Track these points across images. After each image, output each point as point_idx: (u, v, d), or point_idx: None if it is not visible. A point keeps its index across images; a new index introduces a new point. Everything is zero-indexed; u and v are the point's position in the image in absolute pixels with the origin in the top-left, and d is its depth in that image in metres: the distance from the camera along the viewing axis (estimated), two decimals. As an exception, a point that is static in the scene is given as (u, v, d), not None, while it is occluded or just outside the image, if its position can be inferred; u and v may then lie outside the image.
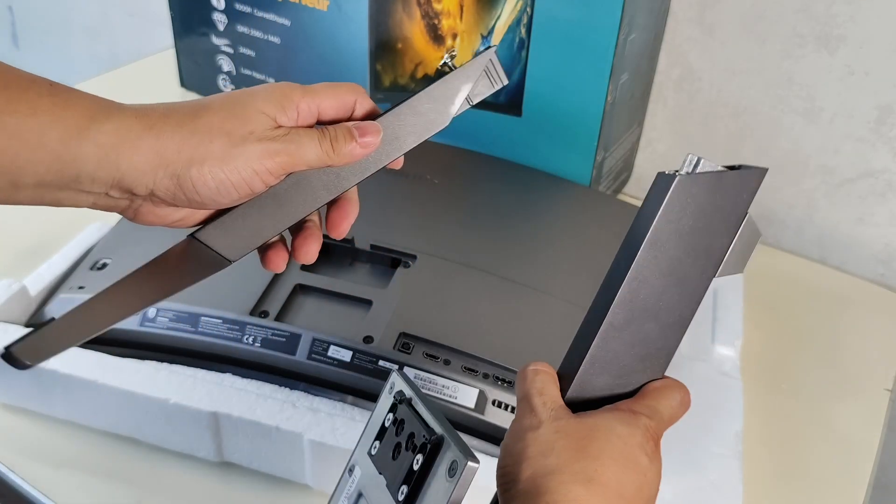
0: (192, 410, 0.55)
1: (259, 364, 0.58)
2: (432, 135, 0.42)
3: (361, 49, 0.83)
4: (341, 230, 0.43)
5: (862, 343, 0.72)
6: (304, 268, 0.63)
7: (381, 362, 0.56)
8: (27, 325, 0.61)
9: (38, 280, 0.65)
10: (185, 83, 0.99)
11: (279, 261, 0.43)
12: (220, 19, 0.90)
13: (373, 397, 0.56)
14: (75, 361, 0.57)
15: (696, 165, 0.37)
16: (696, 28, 0.80)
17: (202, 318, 0.59)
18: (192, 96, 0.98)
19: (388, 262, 0.65)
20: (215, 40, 0.92)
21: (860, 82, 0.75)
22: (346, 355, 0.57)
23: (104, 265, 0.65)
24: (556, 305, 0.63)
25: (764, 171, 0.38)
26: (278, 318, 0.59)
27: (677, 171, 0.37)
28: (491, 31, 0.76)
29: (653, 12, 0.77)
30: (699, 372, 0.63)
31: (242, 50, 0.91)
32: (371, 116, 0.42)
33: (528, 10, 0.73)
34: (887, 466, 0.68)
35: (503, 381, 0.56)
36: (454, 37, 0.78)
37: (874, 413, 0.66)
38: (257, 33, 0.89)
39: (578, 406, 0.40)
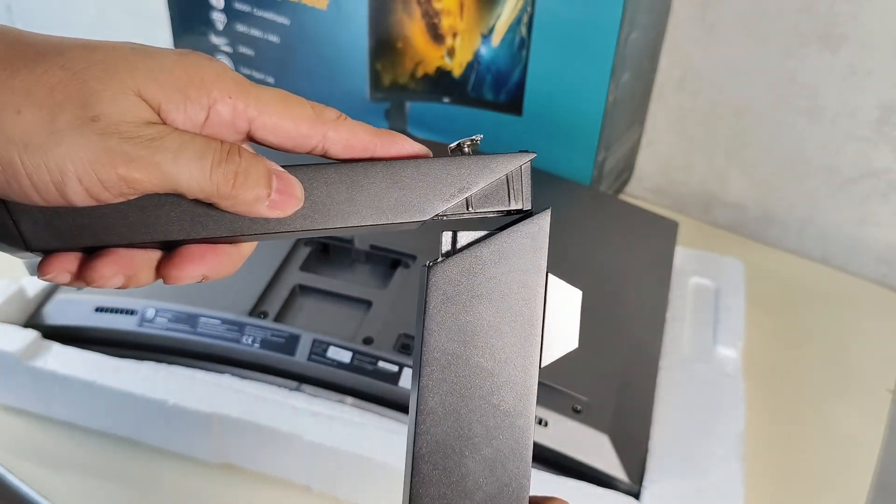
0: (190, 411, 0.55)
1: (258, 365, 0.58)
2: (393, 225, 0.30)
3: (361, 48, 0.83)
4: (176, 276, 0.29)
5: (864, 344, 0.72)
6: (304, 268, 0.63)
7: (380, 363, 0.56)
8: (26, 326, 0.61)
9: (36, 280, 0.65)
10: (184, 82, 0.99)
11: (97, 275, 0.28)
12: (219, 18, 0.90)
13: (373, 399, 0.56)
14: (74, 362, 0.57)
15: (453, 242, 0.30)
16: (697, 27, 0.80)
17: (201, 318, 0.59)
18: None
19: (388, 262, 0.65)
20: (214, 39, 0.92)
21: (862, 81, 0.74)
22: (345, 356, 0.57)
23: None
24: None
25: (547, 211, 0.30)
26: (277, 319, 0.59)
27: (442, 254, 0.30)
28: (491, 30, 0.76)
29: (654, 11, 0.77)
30: (701, 373, 0.62)
31: (242, 49, 0.91)
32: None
33: (529, 8, 0.73)
34: (889, 468, 0.67)
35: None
36: (454, 35, 0.78)
37: (876, 414, 0.65)
38: (256, 32, 0.88)
39: None
